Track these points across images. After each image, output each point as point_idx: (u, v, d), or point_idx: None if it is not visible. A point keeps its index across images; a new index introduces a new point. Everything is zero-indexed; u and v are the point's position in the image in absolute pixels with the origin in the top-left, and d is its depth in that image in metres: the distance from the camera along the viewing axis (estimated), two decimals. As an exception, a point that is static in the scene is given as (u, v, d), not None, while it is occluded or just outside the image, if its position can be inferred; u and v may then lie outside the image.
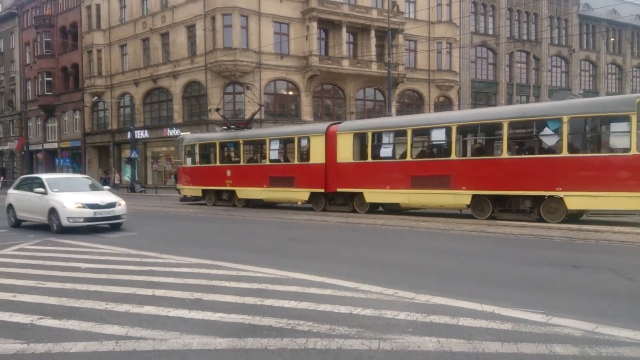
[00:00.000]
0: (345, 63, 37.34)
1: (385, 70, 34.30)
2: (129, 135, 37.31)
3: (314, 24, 36.14)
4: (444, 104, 44.52)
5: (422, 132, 16.91)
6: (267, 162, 20.42)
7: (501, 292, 6.37)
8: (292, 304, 5.74)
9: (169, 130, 38.06)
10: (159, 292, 6.36)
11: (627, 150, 12.50)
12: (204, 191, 23.30)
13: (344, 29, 37.38)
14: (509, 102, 47.30)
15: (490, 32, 46.59)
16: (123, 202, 13.90)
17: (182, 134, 31.38)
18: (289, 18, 36.44)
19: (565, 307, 5.56)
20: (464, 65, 44.50)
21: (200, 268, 7.89)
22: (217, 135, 23.94)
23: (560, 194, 13.32)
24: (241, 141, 21.87)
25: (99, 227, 13.50)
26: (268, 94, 36.91)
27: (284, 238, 11.87)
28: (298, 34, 36.46)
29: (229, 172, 21.92)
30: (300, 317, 5.23)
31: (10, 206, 15.22)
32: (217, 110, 27.54)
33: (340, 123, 19.49)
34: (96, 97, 43.39)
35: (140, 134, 38.91)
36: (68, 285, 6.81)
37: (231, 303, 5.83)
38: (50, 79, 47.92)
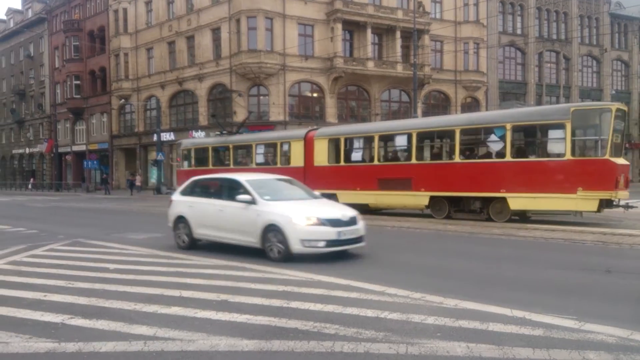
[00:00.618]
0: (370, 64, 37.24)
1: (411, 71, 34.09)
2: (155, 137, 37.89)
3: (339, 25, 36.14)
4: (471, 105, 44.02)
5: (388, 138, 18.43)
6: (254, 166, 21.84)
7: (532, 297, 6.24)
8: (318, 306, 5.71)
9: (194, 133, 38.45)
10: (187, 293, 6.40)
11: (562, 155, 13.59)
12: None
13: (369, 30, 37.29)
14: (539, 102, 46.50)
15: (519, 31, 45.91)
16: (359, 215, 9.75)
17: (185, 139, 31.90)
18: (313, 19, 36.53)
19: (599, 313, 5.41)
20: (491, 65, 43.95)
21: (227, 270, 7.93)
22: (210, 140, 26.10)
23: (504, 195, 14.39)
24: (231, 146, 23.38)
25: (339, 253, 9.09)
26: (292, 96, 37.04)
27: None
28: (323, 35, 36.49)
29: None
30: (327, 320, 5.20)
31: (180, 219, 10.58)
32: (213, 116, 28.21)
33: (317, 129, 20.77)
34: (123, 100, 44.17)
35: (166, 136, 39.44)
36: (97, 286, 6.91)
37: (257, 305, 5.84)
38: (78, 82, 48.96)
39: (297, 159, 20.01)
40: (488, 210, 14.93)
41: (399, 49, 38.37)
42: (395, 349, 4.34)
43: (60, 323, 5.28)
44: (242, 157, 23.33)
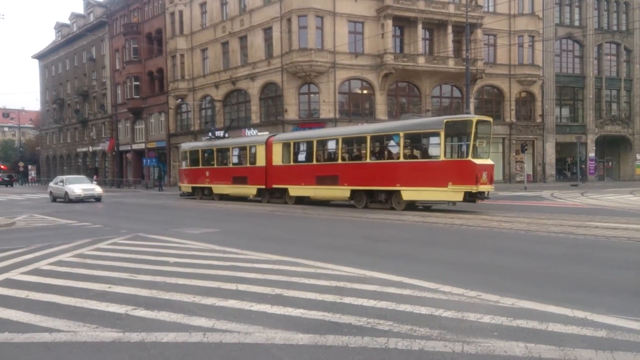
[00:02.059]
0: (421, 60, 36.79)
1: (463, 66, 33.46)
2: (210, 135, 38.73)
3: (389, 22, 35.89)
4: (526, 100, 42.79)
5: (323, 143, 21.89)
6: (231, 165, 26.62)
7: (593, 297, 6.02)
8: (371, 302, 5.73)
9: (247, 131, 39.17)
10: (242, 287, 6.57)
11: (438, 157, 17.25)
12: (193, 188, 29.68)
13: (420, 26, 36.86)
14: (598, 96, 44.66)
15: (577, 23, 44.16)
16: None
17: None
18: (363, 17, 36.41)
19: (667, 315, 5.16)
20: (547, 59, 42.49)
21: (280, 264, 8.06)
22: (200, 143, 31.03)
23: (399, 188, 18.22)
24: (215, 148, 28.14)
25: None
26: (342, 94, 37.09)
27: (359, 237, 11.87)
28: (373, 32, 36.33)
29: (207, 173, 28.25)
30: (380, 316, 5.21)
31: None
32: (206, 123, 33.51)
33: (275, 135, 25.05)
34: (179, 100, 45.51)
35: (221, 134, 40.28)
36: (158, 279, 7.19)
37: (311, 300, 5.92)
38: (137, 83, 50.81)
39: (261, 160, 24.24)
40: (391, 201, 18.68)
41: (450, 44, 37.72)
42: (451, 348, 4.31)
43: (124, 314, 5.52)
44: (223, 158, 27.56)
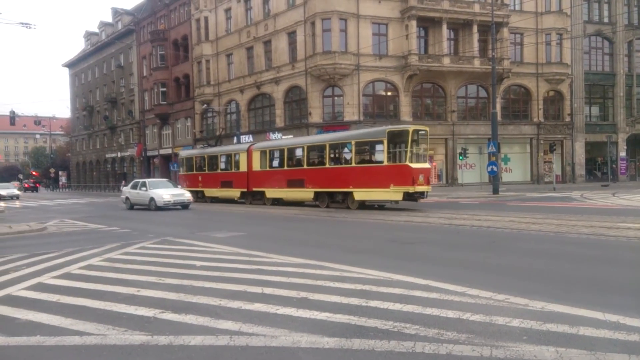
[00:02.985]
0: (446, 60, 36.47)
1: (489, 65, 33.05)
2: (235, 140, 39.14)
3: (413, 23, 35.68)
4: (554, 99, 42.01)
5: (292, 150, 24.46)
6: (219, 171, 29.31)
7: (626, 300, 5.85)
8: (397, 306, 5.69)
9: (271, 134, 39.38)
10: (268, 290, 6.59)
11: (382, 162, 19.66)
12: (189, 192, 30.97)
13: (445, 26, 36.56)
14: (628, 94, 43.60)
15: (606, 20, 43.19)
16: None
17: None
18: (387, 18, 36.29)
19: None
20: (576, 56, 41.64)
21: (305, 268, 8.07)
22: (194, 151, 34.18)
23: (352, 190, 20.73)
24: (206, 155, 31.13)
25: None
26: (366, 96, 37.01)
27: (384, 239, 11.80)
28: (397, 33, 36.17)
29: (200, 178, 31.23)
30: (407, 320, 5.17)
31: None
32: (201, 131, 38.60)
33: (255, 144, 28.37)
34: (205, 105, 46.05)
35: (246, 139, 40.65)
36: (185, 282, 7.27)
37: (336, 303, 5.90)
38: (164, 89, 51.60)
39: (243, 166, 27.14)
40: (347, 201, 21.11)
41: (476, 44, 37.30)
42: (479, 352, 4.24)
43: (153, 317, 5.60)
44: (213, 164, 30.29)
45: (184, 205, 24.48)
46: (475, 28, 36.94)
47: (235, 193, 28.05)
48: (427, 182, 19.76)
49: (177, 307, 5.92)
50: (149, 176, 55.21)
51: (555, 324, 4.90)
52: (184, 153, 35.04)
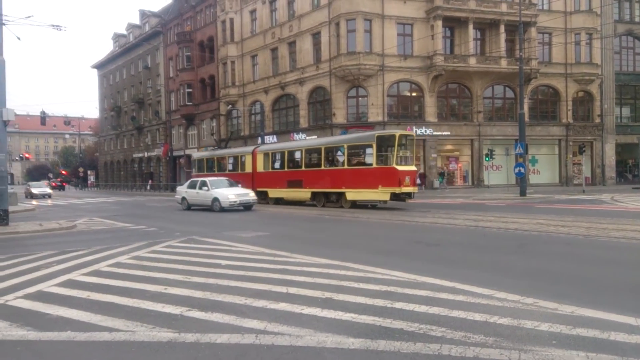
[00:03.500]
0: (472, 61, 36.07)
1: (516, 66, 32.59)
2: (259, 140, 39.37)
3: (439, 23, 35.39)
4: (584, 100, 41.19)
5: (292, 153, 26.21)
6: (227, 172, 30.48)
7: (660, 306, 5.69)
8: (422, 308, 5.64)
9: (295, 135, 39.49)
10: (292, 290, 6.61)
11: (371, 165, 21.10)
12: None
13: (471, 26, 36.19)
14: (661, 94, 42.44)
15: (637, 19, 42.20)
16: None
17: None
18: (412, 18, 36.07)
19: None
20: (606, 56, 40.75)
21: (329, 268, 8.06)
22: (206, 153, 36.24)
23: (344, 190, 22.38)
24: (215, 157, 33.15)
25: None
26: (391, 96, 36.83)
27: (409, 241, 11.71)
28: (422, 34, 35.92)
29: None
30: (432, 322, 5.12)
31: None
32: (212, 134, 39.95)
33: (259, 146, 30.14)
34: (230, 106, 46.43)
35: (270, 139, 40.86)
36: (211, 281, 7.34)
37: (361, 304, 5.89)
38: (190, 90, 52.19)
39: (249, 167, 29.01)
40: (341, 200, 22.72)
41: (503, 44, 36.80)
42: (507, 356, 4.17)
43: (180, 315, 5.67)
44: (221, 166, 32.24)
45: (247, 206, 22.85)
46: (502, 28, 36.45)
47: None
48: (413, 184, 21.30)
49: (203, 305, 5.98)
50: (174, 176, 56.04)
51: (586, 328, 4.81)
52: (196, 155, 37.05)
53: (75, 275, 8.02)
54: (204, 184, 23.68)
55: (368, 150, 21.47)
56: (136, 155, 66.26)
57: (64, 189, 73.72)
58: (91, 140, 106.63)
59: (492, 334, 4.71)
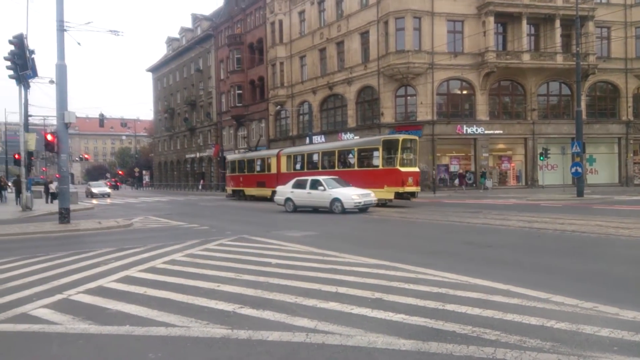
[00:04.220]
0: (526, 57, 35.05)
1: (573, 61, 31.47)
2: (307, 140, 39.65)
3: (491, 19, 34.60)
4: (646, 96, 39.19)
5: (310, 155, 29.01)
6: (255, 172, 34.03)
7: None
8: (475, 310, 5.53)
9: (343, 135, 39.51)
10: (342, 290, 6.62)
11: (378, 166, 23.58)
12: (232, 190, 37.14)
13: (524, 21, 35.18)
14: None
15: None
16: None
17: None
18: (463, 15, 35.41)
19: None
20: (670, 50, 38.61)
21: (379, 269, 8.03)
22: (237, 156, 38.69)
23: None
24: (245, 159, 36.10)
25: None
26: (440, 95, 36.29)
27: (460, 242, 11.47)
28: (473, 30, 35.20)
29: (241, 179, 36.01)
30: (486, 325, 5.01)
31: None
32: (260, 136, 43.94)
33: (283, 149, 32.85)
34: (279, 106, 46.95)
35: (318, 139, 41.05)
36: (261, 279, 7.45)
37: (412, 305, 5.83)
38: (240, 91, 53.12)
39: (274, 168, 31.69)
40: None
41: (558, 39, 35.57)
42: (565, 361, 4.04)
43: (232, 312, 5.78)
44: (251, 167, 34.95)
45: (363, 209, 20.63)
46: (557, 23, 35.25)
47: (267, 192, 31.08)
48: (416, 184, 23.48)
49: (254, 303, 6.08)
50: (224, 176, 57.09)
51: (651, 335, 4.58)
52: (230, 157, 39.84)
53: (133, 272, 8.32)
54: (317, 183, 21.40)
55: (375, 153, 23.89)
56: (188, 155, 68.01)
57: (118, 189, 76.82)
58: (146, 141, 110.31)
59: (549, 339, 4.57)
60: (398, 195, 22.77)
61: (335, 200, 20.29)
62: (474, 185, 36.25)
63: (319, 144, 35.21)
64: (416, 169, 23.92)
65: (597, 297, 5.97)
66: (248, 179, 34.87)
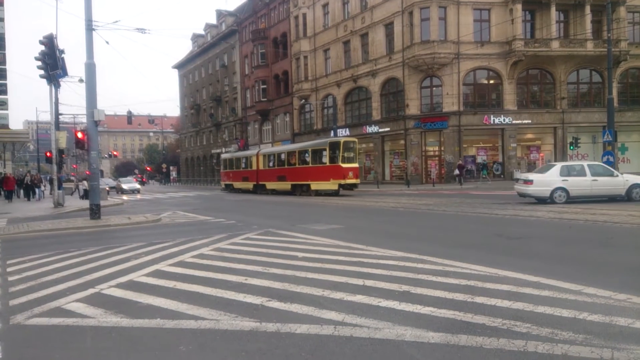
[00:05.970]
0: (555, 44, 34.28)
1: (604, 48, 30.66)
2: (332, 134, 39.61)
3: (519, 6, 33.91)
4: (681, 82, 37.93)
5: (279, 154, 34.09)
6: (240, 169, 39.30)
7: None
8: (505, 303, 5.46)
9: (368, 128, 39.34)
10: (369, 283, 6.61)
11: (325, 163, 28.16)
12: (225, 184, 42.69)
13: (553, 8, 34.39)
14: None
15: None
16: None
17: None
18: (490, 3, 34.80)
19: None
20: None
21: (406, 261, 7.98)
22: (228, 155, 44.14)
23: (310, 183, 29.60)
24: (234, 158, 41.40)
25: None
26: (467, 85, 35.79)
27: (489, 234, 11.32)
28: (500, 19, 34.57)
29: (230, 174, 41.30)
30: (516, 317, 4.95)
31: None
32: (236, 139, 52.43)
33: (260, 149, 38.57)
34: (303, 100, 46.95)
35: (342, 132, 40.99)
36: (288, 272, 7.49)
37: (440, 298, 5.79)
38: (264, 86, 53.32)
39: (254, 165, 36.66)
40: (309, 190, 29.52)
41: (588, 25, 34.65)
42: (599, 354, 3.96)
43: (260, 305, 5.83)
44: (238, 164, 39.95)
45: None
46: (587, 9, 34.35)
47: (249, 185, 37.30)
48: (356, 177, 28.21)
49: (282, 296, 6.12)
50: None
51: (688, 328, 4.45)
52: (223, 155, 45.92)
53: (163, 266, 8.45)
54: (598, 170, 18.43)
55: (324, 153, 28.47)
56: (215, 151, 68.65)
57: (144, 184, 78.02)
58: (173, 137, 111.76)
59: (581, 331, 4.49)
60: (341, 186, 27.70)
61: (635, 186, 18.12)
62: (502, 176, 35.70)
63: (285, 145, 41.34)
64: (355, 165, 28.59)
65: (632, 288, 5.84)
66: (236, 175, 40.13)
